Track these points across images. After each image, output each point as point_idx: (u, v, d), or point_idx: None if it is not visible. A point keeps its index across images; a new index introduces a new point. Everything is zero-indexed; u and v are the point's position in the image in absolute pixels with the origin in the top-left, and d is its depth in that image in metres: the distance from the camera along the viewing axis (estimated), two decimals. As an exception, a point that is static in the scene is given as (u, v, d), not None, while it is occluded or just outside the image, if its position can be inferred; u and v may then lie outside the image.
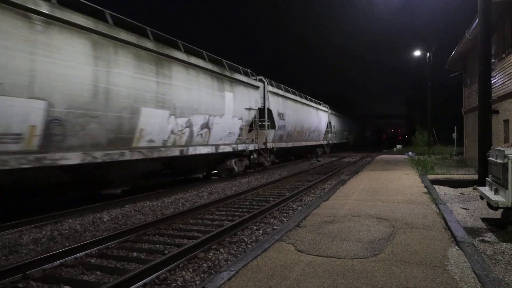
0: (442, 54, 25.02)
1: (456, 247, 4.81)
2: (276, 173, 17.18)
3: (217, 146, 13.02)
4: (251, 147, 15.89)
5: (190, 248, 5.40)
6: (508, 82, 11.61)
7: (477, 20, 10.88)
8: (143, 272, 4.47)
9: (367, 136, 69.96)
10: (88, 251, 5.58)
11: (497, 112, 11.38)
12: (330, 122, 32.43)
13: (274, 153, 19.25)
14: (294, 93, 22.77)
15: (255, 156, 16.69)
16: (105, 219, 7.87)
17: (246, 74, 15.76)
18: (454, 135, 25.60)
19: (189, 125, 11.16)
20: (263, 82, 17.39)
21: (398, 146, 41.16)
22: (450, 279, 3.77)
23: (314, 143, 27.23)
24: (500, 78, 12.51)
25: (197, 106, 11.45)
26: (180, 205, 9.44)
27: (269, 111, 17.73)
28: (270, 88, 18.11)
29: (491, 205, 6.09)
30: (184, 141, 11.11)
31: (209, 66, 12.26)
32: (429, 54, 28.01)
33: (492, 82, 10.34)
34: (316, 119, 27.07)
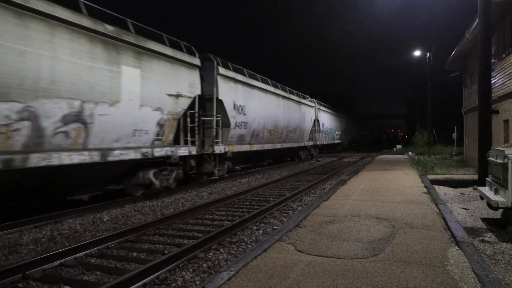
0: (442, 54, 25.01)
1: (456, 247, 4.81)
2: (276, 173, 17.18)
3: (105, 151, 8.42)
4: (182, 151, 11.11)
5: (190, 248, 5.40)
6: (508, 82, 11.61)
7: (477, 20, 10.88)
8: (143, 272, 4.47)
9: (365, 136, 65.72)
10: (88, 251, 5.58)
11: (497, 112, 11.38)
12: (317, 120, 27.45)
13: (231, 159, 14.56)
14: (265, 81, 17.63)
15: (194, 164, 12.06)
16: (105, 219, 7.87)
17: (176, 47, 10.93)
18: (454, 135, 25.61)
19: (30, 116, 6.80)
20: (213, 62, 12.78)
21: (398, 146, 41.14)
22: (450, 279, 3.77)
23: (295, 144, 22.30)
24: (500, 78, 12.51)
25: (49, 84, 7.02)
26: (180, 205, 9.44)
27: (220, 102, 13.00)
28: (221, 70, 13.14)
29: (491, 205, 6.09)
30: (21, 145, 6.74)
31: (85, 22, 7.79)
32: (429, 54, 28.03)
33: (492, 82, 10.34)
34: (297, 115, 22.15)
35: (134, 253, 5.65)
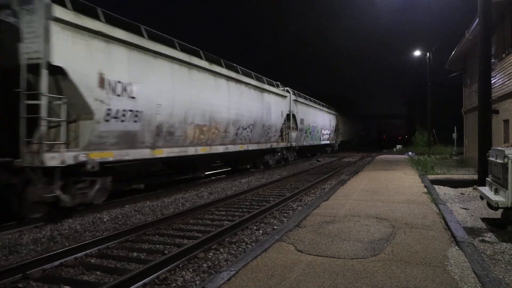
0: (442, 54, 25.02)
1: (456, 247, 4.81)
2: (276, 173, 17.18)
3: None
4: None
5: (190, 248, 5.40)
6: (508, 82, 11.62)
7: (477, 20, 10.89)
8: (143, 272, 4.47)
9: (362, 136, 59.99)
10: (88, 251, 5.58)
11: (497, 112, 11.39)
12: (293, 114, 21.38)
13: (117, 174, 9.08)
14: (190, 52, 11.29)
15: None
16: (105, 219, 7.88)
17: None
18: (454, 135, 25.62)
19: None
20: None
21: (398, 146, 41.15)
22: (450, 279, 3.77)
23: (252, 146, 15.99)
24: (500, 78, 12.51)
25: None
26: (180, 205, 9.45)
27: (61, 73, 7.28)
28: (64, 14, 7.23)
29: (491, 205, 6.09)
30: None
31: None
32: (429, 54, 28.06)
33: (492, 82, 10.35)
34: (256, 106, 16.11)
35: (134, 253, 5.65)
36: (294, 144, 21.64)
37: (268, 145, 17.90)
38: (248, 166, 18.33)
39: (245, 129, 15.16)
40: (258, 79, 16.78)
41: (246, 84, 15.16)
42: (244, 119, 14.81)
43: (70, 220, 7.72)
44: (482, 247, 5.15)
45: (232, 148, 14.26)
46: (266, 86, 17.51)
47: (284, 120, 19.89)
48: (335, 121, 35.26)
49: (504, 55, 12.20)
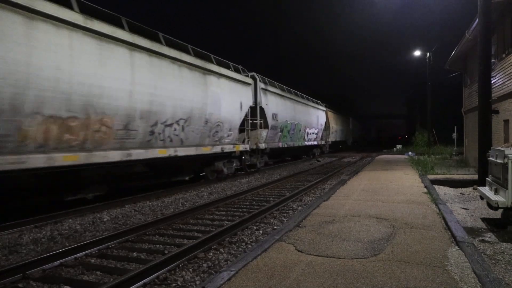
0: (442, 54, 24.96)
1: (456, 247, 4.81)
2: (276, 173, 17.18)
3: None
4: None
5: (190, 248, 5.40)
6: (508, 82, 11.61)
7: (477, 20, 10.89)
8: (143, 272, 4.47)
9: (359, 136, 56.21)
10: (88, 251, 5.58)
11: (497, 112, 11.39)
12: (261, 108, 16.88)
13: None
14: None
15: None
16: (105, 219, 7.88)
17: None
18: (454, 135, 25.61)
19: None
20: None
21: (398, 146, 41.10)
22: (450, 279, 3.77)
23: (190, 151, 11.49)
24: (500, 78, 12.51)
25: None
26: (180, 205, 9.45)
27: None
28: None
29: (491, 205, 6.09)
30: None
31: None
32: (429, 54, 28.06)
33: (492, 82, 10.35)
34: (193, 93, 11.37)
35: (134, 253, 5.66)
36: (263, 146, 17.11)
37: (218, 148, 13.16)
38: (187, 178, 13.41)
39: (169, 125, 10.49)
40: (199, 56, 11.91)
41: (173, 59, 10.47)
42: (167, 110, 10.24)
43: (70, 220, 7.72)
44: (482, 247, 5.15)
45: (142, 154, 9.45)
46: (214, 67, 12.62)
47: (246, 115, 15.41)
48: (324, 118, 30.13)
49: (504, 55, 12.20)
